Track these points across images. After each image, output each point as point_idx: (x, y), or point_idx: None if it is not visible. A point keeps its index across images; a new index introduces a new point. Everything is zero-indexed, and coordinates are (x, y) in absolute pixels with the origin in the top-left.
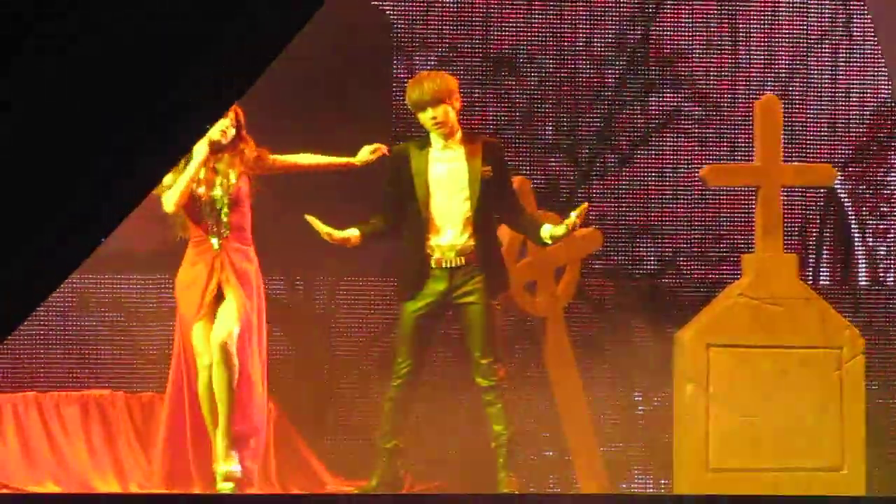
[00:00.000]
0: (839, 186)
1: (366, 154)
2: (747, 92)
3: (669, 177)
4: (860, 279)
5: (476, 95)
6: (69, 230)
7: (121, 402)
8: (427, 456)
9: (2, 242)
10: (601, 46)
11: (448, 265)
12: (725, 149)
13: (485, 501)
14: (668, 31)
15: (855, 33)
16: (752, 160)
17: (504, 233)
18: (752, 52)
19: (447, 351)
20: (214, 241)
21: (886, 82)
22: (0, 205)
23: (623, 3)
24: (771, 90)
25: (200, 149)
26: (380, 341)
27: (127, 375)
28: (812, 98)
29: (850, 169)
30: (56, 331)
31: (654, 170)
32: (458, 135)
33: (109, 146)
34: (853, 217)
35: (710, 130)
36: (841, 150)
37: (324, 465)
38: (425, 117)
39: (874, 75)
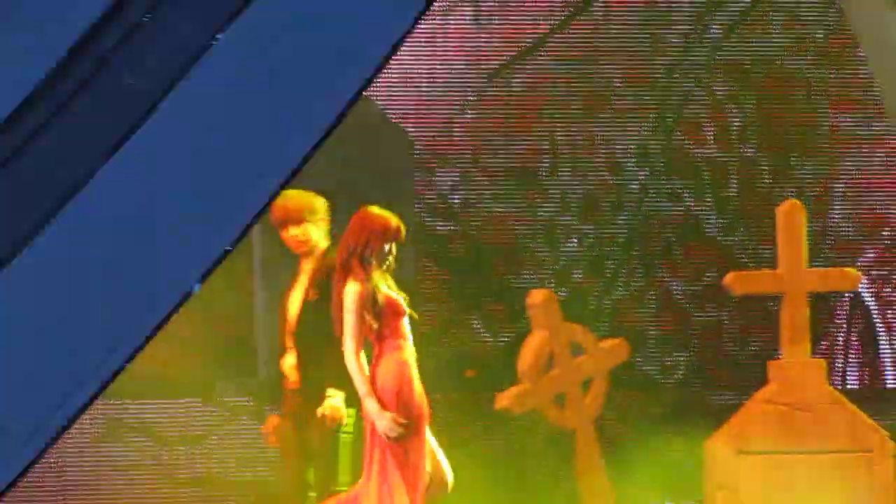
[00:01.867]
0: (864, 289)
1: None
2: (770, 197)
3: (695, 285)
4: (887, 381)
5: (499, 210)
6: None
7: None
8: None
9: None
10: (624, 156)
11: None
12: (749, 256)
13: None
14: (689, 139)
15: (875, 136)
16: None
17: (530, 346)
18: (771, 156)
19: None
20: None
21: None
22: None
23: (645, 110)
24: (793, 195)
25: None
26: None
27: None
28: (835, 201)
29: (875, 272)
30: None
31: (679, 278)
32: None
33: None
34: (879, 319)
35: (735, 237)
36: (866, 252)
37: None
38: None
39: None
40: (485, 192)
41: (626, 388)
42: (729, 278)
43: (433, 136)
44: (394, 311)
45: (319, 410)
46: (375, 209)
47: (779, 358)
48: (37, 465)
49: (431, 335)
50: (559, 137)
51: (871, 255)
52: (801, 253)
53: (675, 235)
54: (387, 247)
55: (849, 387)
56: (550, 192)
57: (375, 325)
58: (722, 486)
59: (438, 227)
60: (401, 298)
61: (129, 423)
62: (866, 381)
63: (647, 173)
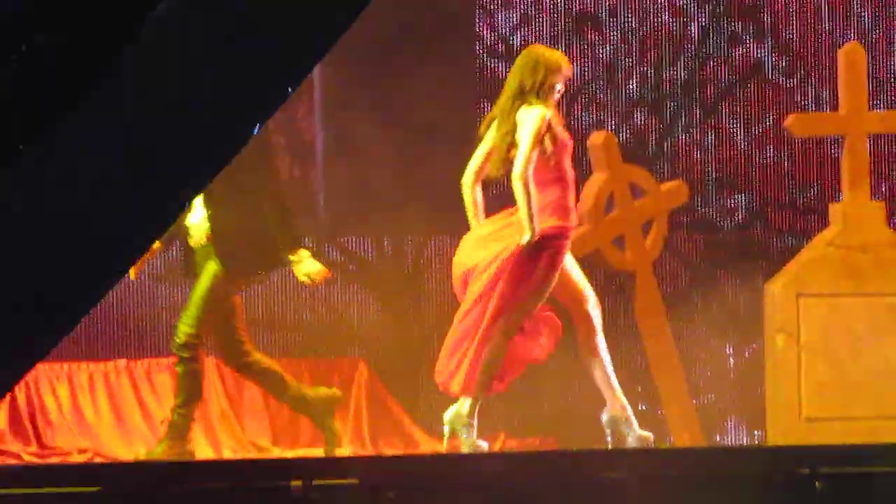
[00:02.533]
0: None
1: None
2: (831, 40)
3: (755, 128)
4: None
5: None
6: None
7: (211, 366)
8: (520, 412)
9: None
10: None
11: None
12: (811, 98)
13: (577, 456)
14: None
15: None
16: (837, 109)
17: (590, 188)
18: (834, 2)
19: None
20: None
21: None
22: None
23: None
24: (854, 38)
25: None
26: None
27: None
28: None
29: None
30: (145, 299)
31: (739, 121)
32: None
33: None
34: None
35: (795, 80)
36: None
37: (417, 425)
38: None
39: None
40: (544, 34)
41: (685, 230)
42: (790, 120)
43: None
44: (562, 144)
45: (302, 277)
46: (545, 48)
47: (839, 200)
48: None
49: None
50: None
51: None
52: (862, 95)
53: (735, 77)
54: (559, 85)
55: None
56: (611, 33)
57: (552, 149)
58: (782, 329)
59: (498, 69)
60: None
61: None
62: None
63: (708, 15)
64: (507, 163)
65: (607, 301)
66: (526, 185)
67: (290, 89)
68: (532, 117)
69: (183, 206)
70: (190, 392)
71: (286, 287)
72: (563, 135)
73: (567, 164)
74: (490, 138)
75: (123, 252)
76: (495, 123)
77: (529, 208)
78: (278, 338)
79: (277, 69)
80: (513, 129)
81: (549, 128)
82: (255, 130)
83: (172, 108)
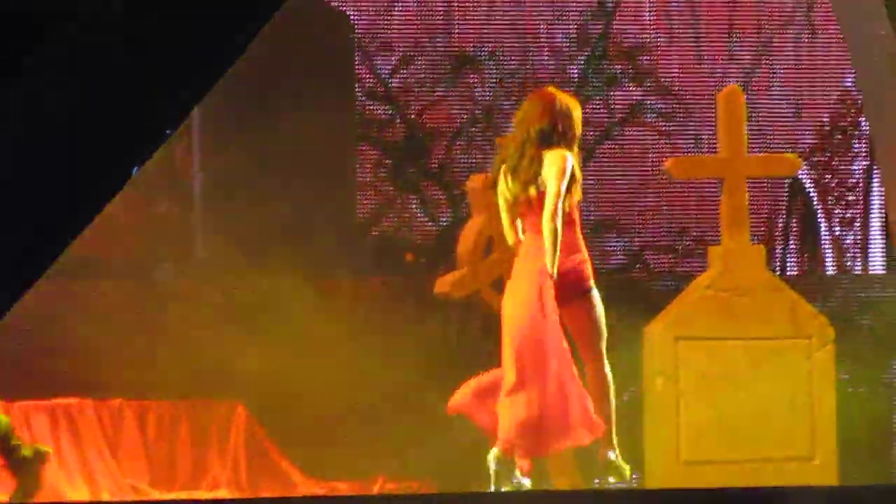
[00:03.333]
0: (804, 176)
1: None
2: (711, 83)
3: (634, 171)
4: (827, 268)
5: (439, 94)
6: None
7: (90, 409)
8: (400, 456)
9: None
10: (563, 42)
11: None
12: (690, 141)
13: (454, 500)
14: (629, 24)
15: (816, 21)
16: (716, 152)
17: (469, 231)
18: (714, 43)
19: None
20: None
21: (849, 70)
22: None
23: None
24: (734, 80)
25: None
26: (344, 344)
27: (94, 383)
28: (775, 87)
29: (815, 158)
30: (25, 339)
31: (618, 164)
32: None
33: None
34: (819, 206)
35: (674, 123)
36: (805, 139)
37: (295, 467)
38: None
39: (836, 63)
40: (424, 76)
41: None
42: (669, 163)
43: (373, 20)
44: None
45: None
46: (560, 91)
47: (719, 244)
48: None
49: (370, 220)
50: (499, 22)
51: (811, 141)
52: (741, 138)
53: (615, 120)
54: (577, 126)
55: (788, 273)
56: (490, 75)
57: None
58: (660, 371)
59: (377, 111)
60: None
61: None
62: (805, 268)
63: (587, 58)
64: (528, 203)
65: (485, 347)
66: (557, 225)
67: (168, 131)
68: (559, 158)
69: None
70: None
71: (165, 326)
72: (579, 176)
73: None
74: (507, 189)
75: None
76: (510, 173)
77: (556, 248)
78: (157, 379)
79: (156, 110)
80: (535, 176)
81: (571, 170)
82: (134, 171)
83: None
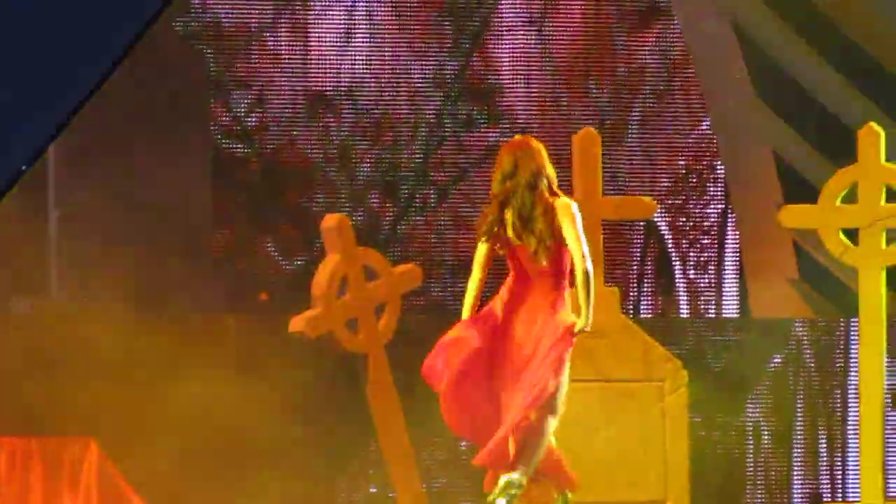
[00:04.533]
0: (659, 219)
1: None
2: (567, 124)
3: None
4: (682, 311)
5: (295, 133)
6: None
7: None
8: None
9: None
10: (419, 82)
11: None
12: None
13: None
14: (485, 65)
15: (674, 64)
16: (571, 194)
17: (323, 270)
18: (569, 86)
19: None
20: None
21: (704, 114)
22: None
23: (441, 38)
24: (589, 123)
25: None
26: (197, 380)
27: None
28: (631, 130)
29: (670, 201)
30: None
31: (473, 204)
32: None
33: None
34: (674, 249)
35: None
36: (661, 182)
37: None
38: None
39: (693, 107)
40: (281, 115)
41: (417, 313)
42: None
43: (229, 58)
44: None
45: None
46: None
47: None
48: None
49: (225, 258)
50: (355, 62)
51: (666, 184)
52: (596, 180)
53: (470, 160)
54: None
55: (642, 316)
56: (345, 115)
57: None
58: None
59: (234, 150)
60: None
61: None
62: (660, 311)
63: (442, 98)
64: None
65: (339, 384)
66: (590, 276)
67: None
68: (573, 209)
69: None
70: None
71: (17, 360)
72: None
73: None
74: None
75: None
76: (518, 222)
77: (590, 298)
78: (5, 414)
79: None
80: (551, 224)
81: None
82: None
83: None
